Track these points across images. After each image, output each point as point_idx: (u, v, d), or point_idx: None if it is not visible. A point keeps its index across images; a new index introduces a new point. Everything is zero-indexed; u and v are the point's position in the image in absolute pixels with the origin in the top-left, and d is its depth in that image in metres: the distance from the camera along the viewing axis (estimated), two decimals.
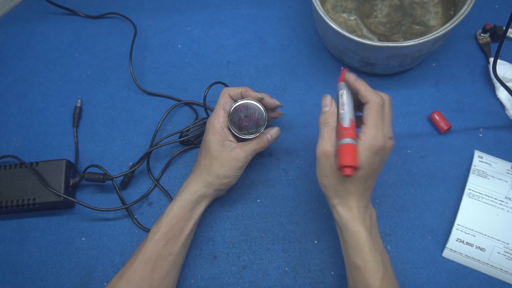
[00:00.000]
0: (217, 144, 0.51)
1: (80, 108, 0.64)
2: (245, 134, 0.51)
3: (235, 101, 0.51)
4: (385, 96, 0.45)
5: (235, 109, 0.50)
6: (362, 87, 0.45)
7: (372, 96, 0.44)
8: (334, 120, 0.45)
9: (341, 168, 0.43)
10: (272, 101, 0.53)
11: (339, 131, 0.45)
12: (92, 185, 0.60)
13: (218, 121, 0.51)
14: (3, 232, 0.57)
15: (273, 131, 0.53)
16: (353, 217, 0.46)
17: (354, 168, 0.43)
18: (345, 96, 0.46)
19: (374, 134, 0.43)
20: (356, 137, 0.44)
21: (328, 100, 0.47)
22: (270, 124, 0.59)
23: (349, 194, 0.45)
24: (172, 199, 0.58)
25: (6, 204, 0.56)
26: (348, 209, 0.46)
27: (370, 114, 0.44)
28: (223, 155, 0.51)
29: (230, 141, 0.51)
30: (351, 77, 0.46)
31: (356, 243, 0.45)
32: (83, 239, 0.57)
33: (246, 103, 0.50)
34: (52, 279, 0.54)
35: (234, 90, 0.52)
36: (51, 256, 0.56)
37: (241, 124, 0.51)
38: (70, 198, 0.55)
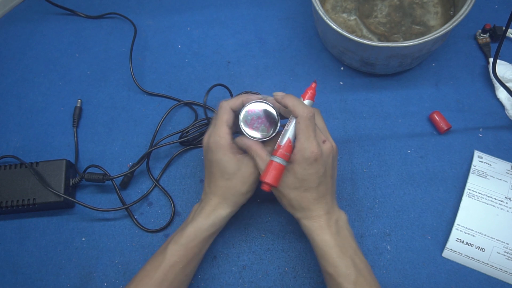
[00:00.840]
0: (231, 162, 0.47)
1: (80, 108, 0.64)
2: (255, 135, 0.48)
3: (244, 104, 0.49)
4: (314, 109, 0.48)
5: (248, 109, 0.48)
6: (290, 102, 0.47)
7: (299, 110, 0.46)
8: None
9: (262, 182, 0.46)
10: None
11: (276, 147, 0.47)
12: (92, 185, 0.60)
13: (225, 140, 0.47)
14: (3, 232, 0.57)
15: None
16: (316, 226, 0.47)
17: (270, 186, 0.46)
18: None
19: (305, 146, 0.45)
20: (288, 156, 0.46)
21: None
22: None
23: (306, 206, 0.47)
24: (172, 200, 0.58)
25: (6, 204, 0.56)
26: (310, 220, 0.47)
27: (300, 128, 0.46)
28: (242, 172, 0.48)
29: (240, 153, 0.49)
30: (278, 94, 0.48)
31: (324, 251, 0.46)
32: (83, 239, 0.57)
33: (260, 104, 0.48)
34: (52, 279, 0.54)
35: (234, 102, 0.49)
36: (51, 256, 0.56)
37: (253, 124, 0.48)
38: (70, 198, 0.55)
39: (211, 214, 0.48)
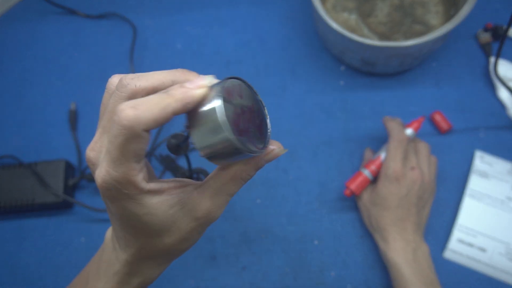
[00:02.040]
0: (159, 214, 0.26)
1: (75, 111, 0.63)
2: (249, 144, 0.25)
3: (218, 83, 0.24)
4: (422, 143, 0.54)
5: (228, 90, 0.24)
6: (389, 125, 0.53)
7: (393, 133, 0.52)
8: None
9: (345, 187, 0.53)
10: None
11: (367, 162, 0.54)
12: (91, 186, 0.59)
13: (138, 179, 0.25)
14: (2, 232, 0.57)
15: (275, 145, 0.27)
16: (390, 248, 0.48)
17: (352, 192, 0.52)
18: None
19: (389, 165, 0.50)
20: (375, 172, 0.52)
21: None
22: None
23: (383, 226, 0.50)
24: None
25: (4, 204, 0.55)
26: (386, 242, 0.49)
27: (389, 148, 0.51)
28: (182, 224, 0.27)
29: (175, 188, 0.27)
30: (386, 118, 0.55)
31: (397, 274, 0.47)
32: (82, 239, 0.56)
33: (240, 86, 0.25)
34: (51, 280, 0.54)
35: (155, 109, 0.22)
36: (50, 256, 0.55)
37: (239, 124, 0.24)
38: (69, 199, 0.55)
39: (130, 278, 0.29)
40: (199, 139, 0.24)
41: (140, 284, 0.30)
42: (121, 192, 0.24)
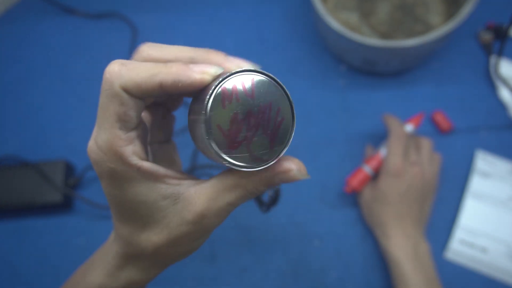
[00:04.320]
0: (148, 200, 0.23)
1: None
2: (242, 158, 0.22)
3: (218, 77, 0.21)
4: (423, 139, 0.53)
5: (225, 93, 0.21)
6: (388, 120, 0.53)
7: (393, 128, 0.51)
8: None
9: (346, 184, 0.53)
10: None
11: (368, 157, 0.54)
12: (91, 186, 0.59)
13: (119, 152, 0.22)
14: (2, 233, 0.57)
15: (295, 165, 0.24)
16: (391, 244, 0.48)
17: (353, 189, 0.52)
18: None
19: (389, 160, 0.49)
20: (376, 168, 0.52)
21: None
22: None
23: (384, 221, 0.49)
24: None
25: (5, 204, 0.55)
26: (387, 238, 0.49)
27: (389, 144, 0.51)
28: (172, 221, 0.24)
29: (175, 178, 0.24)
30: (386, 115, 0.55)
31: (397, 269, 0.47)
32: (82, 240, 0.56)
33: (252, 78, 0.21)
34: (51, 280, 0.54)
35: (140, 72, 0.21)
36: (50, 257, 0.55)
37: (238, 133, 0.21)
38: (69, 198, 0.55)
39: (119, 274, 0.27)
40: (195, 139, 0.22)
41: (128, 283, 0.27)
42: (108, 166, 0.22)
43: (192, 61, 0.22)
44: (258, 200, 0.25)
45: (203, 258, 0.54)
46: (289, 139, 0.22)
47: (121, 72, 0.21)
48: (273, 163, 0.22)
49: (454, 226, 0.54)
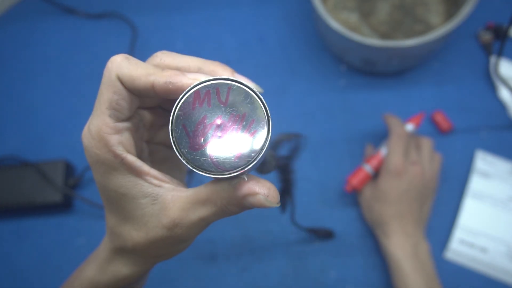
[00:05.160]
0: (131, 196, 0.23)
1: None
2: (201, 161, 0.21)
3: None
4: (424, 139, 0.53)
5: (197, 96, 0.21)
6: (388, 120, 0.53)
7: (393, 127, 0.52)
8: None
9: (346, 182, 0.53)
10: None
11: (369, 157, 0.54)
12: (91, 186, 0.59)
13: (108, 141, 0.22)
14: (2, 233, 0.57)
15: (265, 189, 0.22)
16: (391, 243, 0.48)
17: (353, 188, 0.52)
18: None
19: (390, 159, 0.50)
20: (376, 167, 0.52)
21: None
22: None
23: (384, 219, 0.49)
24: None
25: (5, 204, 0.55)
26: (387, 237, 0.49)
27: (390, 143, 0.51)
28: (152, 220, 0.23)
29: (157, 178, 0.24)
30: (386, 114, 0.55)
31: (397, 265, 0.47)
32: (82, 240, 0.56)
33: (229, 86, 0.21)
34: (51, 281, 0.54)
35: (135, 69, 0.22)
36: (50, 257, 0.55)
37: (201, 136, 0.21)
38: (69, 198, 0.55)
39: (107, 267, 0.27)
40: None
41: (114, 277, 0.26)
42: (95, 152, 0.22)
43: (199, 71, 0.23)
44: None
45: (203, 258, 0.54)
46: (258, 155, 0.21)
47: (121, 63, 0.22)
48: (234, 175, 0.21)
49: (453, 226, 0.54)
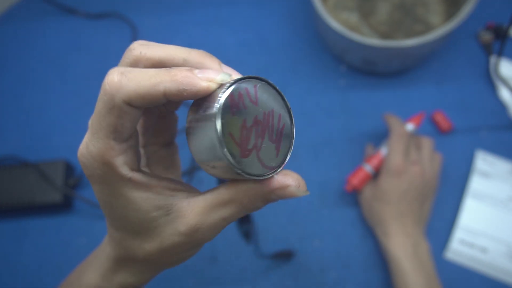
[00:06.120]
0: (140, 209, 0.22)
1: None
2: (253, 167, 0.21)
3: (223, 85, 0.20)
4: (425, 139, 0.53)
5: (233, 100, 0.20)
6: (389, 120, 0.53)
7: (394, 127, 0.52)
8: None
9: (347, 182, 0.53)
10: None
11: (369, 157, 0.54)
12: (91, 186, 0.59)
13: (113, 161, 0.21)
14: (2, 232, 0.57)
15: (295, 180, 0.23)
16: (390, 243, 0.48)
17: (353, 187, 0.52)
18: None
19: (390, 159, 0.50)
20: (377, 166, 0.52)
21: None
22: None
23: (384, 219, 0.49)
24: None
25: (5, 204, 0.55)
26: (387, 236, 0.49)
27: (390, 142, 0.51)
28: (165, 233, 0.23)
29: (168, 189, 0.23)
30: (386, 114, 0.55)
31: (396, 267, 0.47)
32: (82, 240, 0.56)
33: (255, 85, 0.21)
34: (51, 281, 0.54)
35: (143, 79, 0.20)
36: (50, 257, 0.55)
37: (248, 141, 0.21)
38: (69, 198, 0.55)
39: (112, 277, 0.27)
40: (195, 149, 0.21)
41: (120, 286, 0.26)
42: (98, 173, 0.21)
43: (185, 63, 0.21)
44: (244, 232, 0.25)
45: (203, 258, 0.54)
46: (292, 144, 0.22)
47: (121, 83, 0.19)
48: (279, 171, 0.22)
49: (454, 226, 0.54)
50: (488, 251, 0.52)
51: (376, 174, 0.53)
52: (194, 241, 0.23)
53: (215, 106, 0.19)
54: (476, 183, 0.55)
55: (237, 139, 0.20)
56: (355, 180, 0.52)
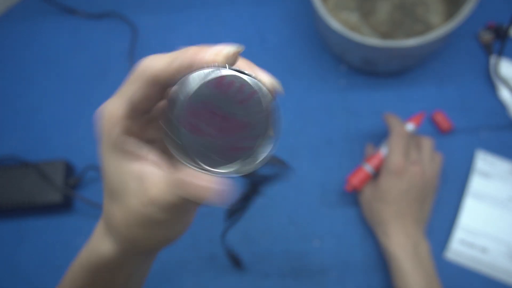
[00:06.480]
0: (115, 172, 0.24)
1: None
2: (215, 161, 0.21)
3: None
4: (424, 139, 0.53)
5: (224, 79, 0.20)
6: (389, 119, 0.53)
7: (394, 127, 0.52)
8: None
9: (347, 182, 0.53)
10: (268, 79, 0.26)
11: (369, 156, 0.54)
12: (91, 186, 0.59)
13: (112, 122, 0.23)
14: (2, 232, 0.57)
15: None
16: (391, 243, 0.48)
17: (353, 187, 0.52)
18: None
19: (390, 158, 0.50)
20: (377, 166, 0.52)
21: None
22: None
23: (384, 219, 0.50)
24: None
25: (5, 204, 0.55)
26: (387, 236, 0.49)
27: (390, 142, 0.51)
28: (131, 197, 0.23)
29: (152, 161, 0.24)
30: (386, 114, 0.55)
31: (396, 267, 0.47)
32: (83, 240, 0.56)
33: (255, 91, 0.21)
34: (51, 281, 0.54)
35: (163, 63, 0.22)
36: (50, 257, 0.55)
37: (202, 118, 0.21)
38: (69, 198, 0.55)
39: (89, 241, 0.29)
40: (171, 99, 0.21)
41: (93, 251, 0.28)
42: (100, 127, 0.24)
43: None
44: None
45: (203, 258, 0.54)
46: (272, 138, 0.21)
47: (151, 62, 0.23)
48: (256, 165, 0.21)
49: (454, 226, 0.54)
50: (488, 251, 0.52)
51: (376, 174, 0.53)
52: (150, 215, 0.23)
53: (209, 69, 0.20)
54: (476, 183, 0.55)
55: (197, 109, 0.20)
56: (355, 180, 0.52)
